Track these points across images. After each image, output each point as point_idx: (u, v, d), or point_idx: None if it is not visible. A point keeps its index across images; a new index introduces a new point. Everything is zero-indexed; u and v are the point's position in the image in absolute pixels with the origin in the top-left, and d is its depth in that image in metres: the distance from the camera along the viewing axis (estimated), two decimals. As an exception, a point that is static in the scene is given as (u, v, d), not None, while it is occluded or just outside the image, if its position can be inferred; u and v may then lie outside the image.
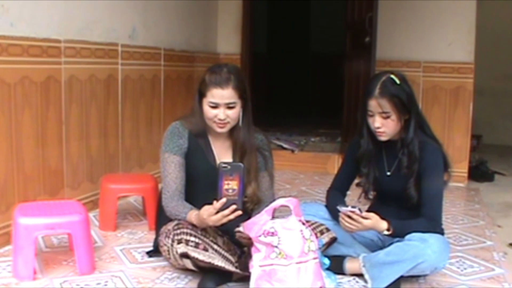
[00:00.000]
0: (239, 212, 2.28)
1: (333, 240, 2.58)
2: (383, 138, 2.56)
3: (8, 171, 2.90)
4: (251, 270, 2.28)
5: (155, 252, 2.77)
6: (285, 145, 5.49)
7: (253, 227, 2.27)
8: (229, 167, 2.27)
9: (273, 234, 2.24)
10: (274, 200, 2.61)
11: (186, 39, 4.88)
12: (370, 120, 2.55)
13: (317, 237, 2.42)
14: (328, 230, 2.58)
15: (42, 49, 3.10)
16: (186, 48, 4.85)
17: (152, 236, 2.98)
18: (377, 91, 2.48)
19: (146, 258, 2.79)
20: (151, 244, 2.86)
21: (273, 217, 2.32)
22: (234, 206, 2.26)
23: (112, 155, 3.83)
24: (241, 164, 2.31)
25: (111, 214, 3.23)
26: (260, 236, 2.24)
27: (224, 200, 2.25)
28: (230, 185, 2.26)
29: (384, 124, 2.51)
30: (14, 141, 2.92)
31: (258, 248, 2.27)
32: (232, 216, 2.27)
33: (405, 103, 2.49)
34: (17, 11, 2.91)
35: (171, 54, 4.55)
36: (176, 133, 2.59)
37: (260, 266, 2.25)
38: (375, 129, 2.53)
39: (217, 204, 2.26)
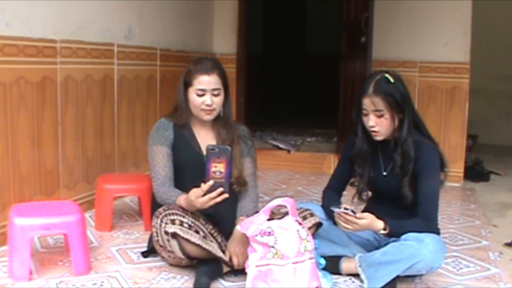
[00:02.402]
0: (226, 195, 2.32)
1: (318, 224, 2.61)
2: (378, 137, 2.56)
3: (4, 171, 2.89)
4: (247, 270, 2.28)
5: (150, 252, 2.77)
6: (281, 145, 5.50)
7: (250, 226, 2.28)
8: (216, 149, 2.31)
9: (269, 234, 2.24)
10: (256, 185, 2.75)
11: (182, 39, 4.88)
12: (364, 119, 2.56)
13: (301, 223, 2.41)
14: (312, 215, 2.62)
15: (38, 49, 3.09)
16: (182, 48, 4.84)
17: (147, 236, 2.98)
18: (371, 89, 2.49)
19: (142, 259, 2.79)
20: (147, 244, 2.86)
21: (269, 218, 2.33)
22: (221, 189, 2.30)
23: (108, 155, 3.83)
24: (228, 147, 2.35)
25: (107, 214, 3.23)
26: (256, 235, 2.24)
27: (211, 182, 2.29)
28: (218, 168, 2.29)
29: (378, 123, 2.51)
30: (10, 141, 2.91)
31: (255, 248, 2.27)
32: (219, 199, 2.32)
33: (398, 102, 2.50)
34: (13, 11, 2.90)
35: (167, 54, 4.55)
36: (162, 126, 2.70)
37: (257, 266, 2.25)
38: (370, 128, 2.54)
39: (204, 186, 2.30)
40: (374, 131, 2.54)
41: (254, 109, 6.27)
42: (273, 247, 2.23)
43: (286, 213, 2.38)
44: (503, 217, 3.85)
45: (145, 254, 2.80)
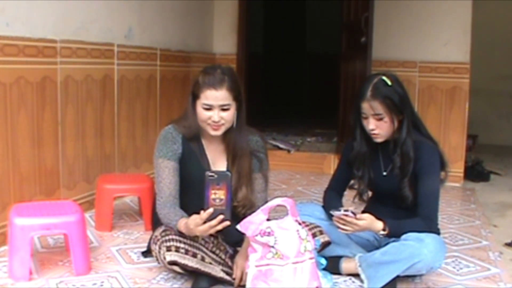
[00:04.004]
0: (227, 223, 2.21)
1: (327, 244, 2.56)
2: (378, 139, 2.56)
3: (4, 172, 2.89)
4: (247, 270, 2.28)
5: (150, 252, 2.76)
6: (281, 145, 5.49)
7: (250, 226, 2.27)
8: (215, 176, 2.19)
9: (269, 234, 2.24)
10: (266, 202, 2.57)
11: (182, 39, 4.88)
12: (364, 122, 2.56)
13: (313, 237, 2.42)
14: (321, 233, 2.57)
15: (38, 49, 3.09)
16: (182, 48, 4.85)
17: (148, 236, 2.98)
18: (369, 93, 2.49)
19: (142, 258, 2.79)
20: (147, 244, 2.85)
21: (268, 219, 2.32)
22: (221, 216, 2.19)
23: (108, 155, 3.83)
24: (228, 173, 2.24)
25: (107, 214, 3.23)
26: (256, 235, 2.24)
27: (211, 210, 2.18)
28: (217, 195, 2.18)
29: (378, 126, 2.51)
30: (10, 141, 2.91)
31: (255, 248, 2.27)
32: (219, 227, 2.21)
33: (397, 104, 2.50)
34: (13, 11, 2.90)
35: (167, 54, 4.55)
36: (170, 138, 2.53)
37: (256, 266, 2.25)
38: (370, 131, 2.54)
39: (203, 214, 2.19)
40: (374, 134, 2.54)
41: (253, 109, 6.25)
42: (273, 247, 2.23)
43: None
44: (503, 217, 3.85)
45: (145, 254, 2.80)
